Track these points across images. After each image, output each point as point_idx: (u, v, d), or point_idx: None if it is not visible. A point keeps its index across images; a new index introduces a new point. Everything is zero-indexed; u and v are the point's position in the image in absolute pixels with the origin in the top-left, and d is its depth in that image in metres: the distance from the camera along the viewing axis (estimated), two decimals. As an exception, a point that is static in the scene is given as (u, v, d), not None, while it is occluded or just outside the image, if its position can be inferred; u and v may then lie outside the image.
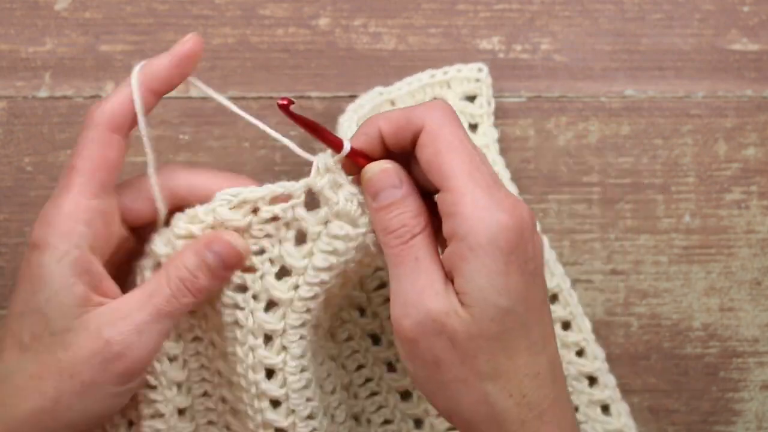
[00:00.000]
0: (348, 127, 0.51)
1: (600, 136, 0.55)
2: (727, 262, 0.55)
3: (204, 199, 0.43)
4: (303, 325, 0.43)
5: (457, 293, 0.40)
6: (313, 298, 0.43)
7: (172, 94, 0.54)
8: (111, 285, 0.42)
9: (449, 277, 0.40)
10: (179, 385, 0.45)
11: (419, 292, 0.40)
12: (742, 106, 0.56)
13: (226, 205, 0.42)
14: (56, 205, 0.41)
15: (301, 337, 0.43)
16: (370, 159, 0.42)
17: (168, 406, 0.45)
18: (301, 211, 0.43)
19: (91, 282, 0.41)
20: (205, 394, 0.46)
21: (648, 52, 0.56)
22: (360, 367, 0.51)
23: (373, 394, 0.51)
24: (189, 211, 0.43)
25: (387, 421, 0.51)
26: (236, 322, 0.43)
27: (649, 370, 0.55)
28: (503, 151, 0.55)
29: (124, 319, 0.41)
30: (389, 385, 0.52)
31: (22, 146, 0.54)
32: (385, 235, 0.41)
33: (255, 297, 0.43)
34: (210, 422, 0.46)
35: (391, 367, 0.52)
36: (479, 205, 0.39)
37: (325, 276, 0.43)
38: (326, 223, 0.42)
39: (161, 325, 0.42)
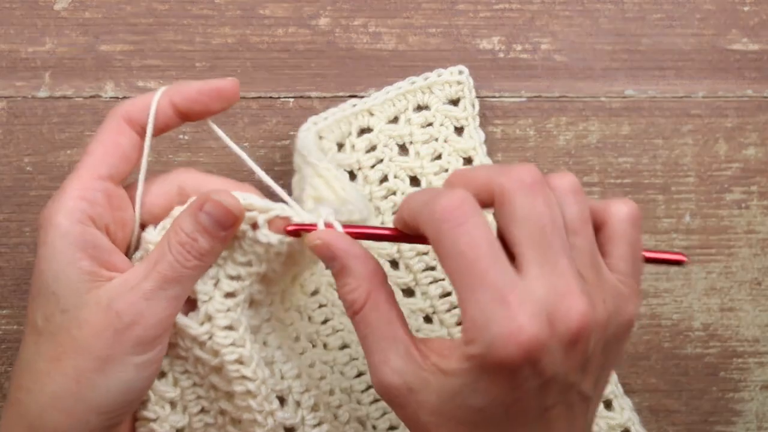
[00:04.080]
0: (305, 139, 0.50)
1: (600, 136, 0.55)
2: (727, 262, 0.55)
3: None
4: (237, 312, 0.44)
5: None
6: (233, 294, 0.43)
7: (172, 94, 0.54)
8: (122, 259, 0.42)
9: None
10: (173, 404, 0.45)
11: (374, 367, 0.39)
12: (742, 106, 0.56)
13: None
14: (63, 186, 0.41)
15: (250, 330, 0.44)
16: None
17: (164, 425, 0.44)
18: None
19: (98, 256, 0.41)
20: (202, 410, 0.45)
21: (648, 52, 0.56)
22: (360, 374, 0.51)
23: (377, 400, 0.51)
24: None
25: (392, 427, 0.51)
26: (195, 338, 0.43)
27: (649, 370, 0.55)
28: (503, 151, 0.55)
29: (131, 289, 0.40)
30: None
31: (21, 146, 0.54)
32: None
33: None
34: None
35: None
36: (487, 308, 0.36)
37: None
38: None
39: (169, 292, 0.41)
